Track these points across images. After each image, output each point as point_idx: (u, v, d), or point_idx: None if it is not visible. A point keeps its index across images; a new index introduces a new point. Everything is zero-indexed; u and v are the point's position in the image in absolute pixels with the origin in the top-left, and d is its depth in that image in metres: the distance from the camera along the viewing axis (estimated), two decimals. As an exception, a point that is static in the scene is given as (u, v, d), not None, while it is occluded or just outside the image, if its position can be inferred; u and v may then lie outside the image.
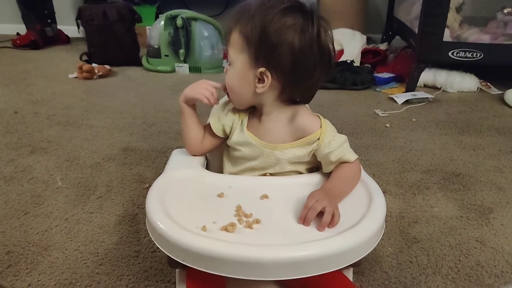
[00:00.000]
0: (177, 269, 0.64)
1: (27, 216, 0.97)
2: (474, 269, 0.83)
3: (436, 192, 1.11)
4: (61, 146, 1.34)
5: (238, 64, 0.61)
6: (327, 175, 0.64)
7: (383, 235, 0.56)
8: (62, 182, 1.12)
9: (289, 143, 0.64)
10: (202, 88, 0.67)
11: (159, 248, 0.53)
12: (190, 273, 0.60)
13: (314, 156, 0.65)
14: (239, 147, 0.67)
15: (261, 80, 0.61)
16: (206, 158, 0.74)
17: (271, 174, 0.67)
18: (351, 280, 0.64)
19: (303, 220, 0.54)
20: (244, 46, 0.60)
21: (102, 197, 1.05)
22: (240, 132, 0.67)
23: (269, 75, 0.60)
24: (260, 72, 0.60)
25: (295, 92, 0.64)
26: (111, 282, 0.78)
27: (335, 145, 0.62)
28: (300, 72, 0.60)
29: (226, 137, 0.70)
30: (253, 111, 0.68)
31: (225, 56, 2.33)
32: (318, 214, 0.54)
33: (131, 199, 1.04)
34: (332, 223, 0.53)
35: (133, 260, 0.83)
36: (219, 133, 0.69)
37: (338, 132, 0.65)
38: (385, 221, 0.58)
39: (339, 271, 0.62)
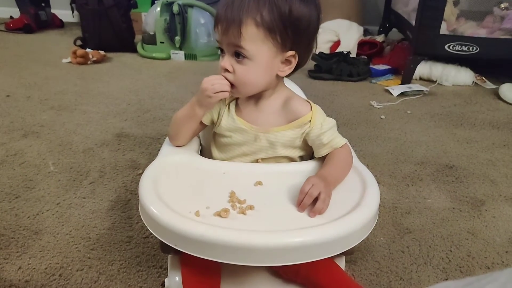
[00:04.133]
0: (169, 255, 0.64)
1: (18, 200, 0.96)
2: (465, 260, 0.84)
3: (429, 184, 1.11)
4: (54, 130, 1.32)
5: (262, 56, 0.58)
6: (321, 164, 0.64)
7: (376, 224, 0.56)
8: (54, 166, 1.11)
9: (281, 126, 0.64)
10: (214, 89, 0.60)
11: (151, 233, 0.53)
12: (185, 260, 0.60)
13: (305, 142, 0.65)
14: (229, 133, 0.66)
15: (286, 62, 0.61)
16: (200, 144, 0.73)
17: (262, 160, 0.66)
18: (343, 268, 0.65)
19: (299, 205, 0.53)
20: (267, 36, 0.56)
21: (95, 182, 1.05)
22: (229, 118, 0.66)
23: (297, 55, 0.60)
24: (289, 55, 0.60)
25: (304, 61, 0.63)
26: (102, 266, 0.77)
27: (327, 126, 0.63)
28: (314, 40, 0.62)
29: (212, 124, 0.69)
30: (243, 97, 0.67)
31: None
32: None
33: (124, 185, 1.04)
34: (320, 211, 0.53)
35: (125, 246, 0.83)
36: (207, 121, 0.68)
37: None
38: (378, 211, 0.58)
39: (332, 260, 0.62)
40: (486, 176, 1.16)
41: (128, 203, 0.97)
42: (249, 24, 0.56)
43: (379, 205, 0.57)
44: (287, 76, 0.65)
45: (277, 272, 0.64)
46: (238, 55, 0.58)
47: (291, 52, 0.60)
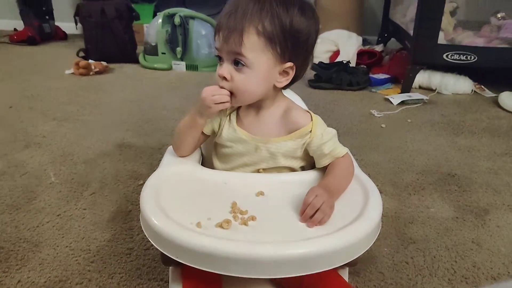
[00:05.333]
0: (170, 267, 0.63)
1: (18, 212, 0.95)
2: (471, 270, 0.83)
3: (431, 193, 1.11)
4: (56, 141, 1.32)
5: (262, 65, 0.58)
6: (323, 173, 0.64)
7: (379, 235, 0.56)
8: (55, 177, 1.11)
9: (282, 136, 0.64)
10: (213, 100, 0.60)
11: (152, 245, 0.53)
12: (186, 272, 0.59)
13: (306, 152, 0.65)
14: (230, 143, 0.66)
15: (284, 73, 0.61)
16: (202, 154, 0.73)
17: (264, 170, 0.66)
18: (347, 280, 0.64)
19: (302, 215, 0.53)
20: (267, 46, 0.57)
21: (96, 193, 1.04)
22: (229, 128, 0.66)
23: (294, 67, 0.61)
24: (287, 66, 0.60)
25: (301, 74, 0.64)
26: (102, 279, 0.77)
27: (327, 137, 0.63)
28: (311, 53, 0.63)
29: (213, 134, 0.69)
30: (243, 107, 0.67)
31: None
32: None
33: (124, 196, 1.03)
34: (320, 221, 0.52)
35: (125, 258, 0.82)
36: (208, 132, 0.68)
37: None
38: (381, 220, 0.57)
39: (335, 271, 0.61)
40: (489, 185, 1.16)
41: (129, 214, 0.96)
42: (251, 33, 0.57)
43: (382, 215, 0.57)
44: (284, 88, 0.65)
45: (279, 283, 0.63)
46: (237, 63, 0.59)
47: (289, 64, 0.60)
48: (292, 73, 0.61)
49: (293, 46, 0.59)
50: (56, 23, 2.90)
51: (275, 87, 0.63)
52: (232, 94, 0.61)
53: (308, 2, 0.61)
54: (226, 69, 0.59)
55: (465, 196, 1.10)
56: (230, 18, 0.57)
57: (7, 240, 0.86)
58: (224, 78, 0.60)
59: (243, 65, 0.58)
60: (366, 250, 0.53)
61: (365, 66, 2.24)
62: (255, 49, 0.57)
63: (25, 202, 0.99)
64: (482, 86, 2.04)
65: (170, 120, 1.53)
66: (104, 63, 2.16)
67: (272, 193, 0.60)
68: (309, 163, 0.67)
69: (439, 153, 1.35)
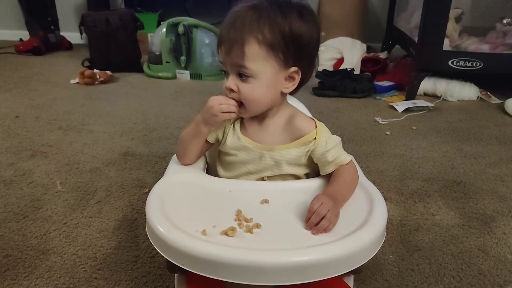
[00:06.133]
0: (176, 274, 0.63)
1: (26, 220, 0.96)
2: (477, 278, 0.82)
3: (437, 200, 1.10)
4: (61, 150, 1.34)
5: (267, 73, 0.59)
6: (327, 181, 0.64)
7: (384, 242, 0.56)
8: (61, 186, 1.12)
9: (286, 144, 0.64)
10: (220, 109, 0.61)
11: (158, 253, 0.53)
12: (192, 279, 0.59)
13: (310, 159, 0.65)
14: (234, 151, 0.66)
15: (290, 79, 0.62)
16: (206, 162, 0.74)
17: (268, 178, 0.66)
18: (352, 287, 0.64)
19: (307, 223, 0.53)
20: (269, 53, 0.58)
21: (102, 201, 1.05)
22: (234, 136, 0.66)
23: (299, 71, 0.61)
24: (292, 71, 0.61)
25: (307, 78, 0.64)
26: (109, 287, 0.77)
27: (331, 144, 0.63)
28: (316, 57, 0.64)
29: (217, 142, 0.69)
30: (249, 117, 0.67)
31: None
32: None
33: (130, 204, 1.04)
34: (325, 229, 0.52)
35: (131, 265, 0.82)
36: (212, 140, 0.69)
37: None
38: (386, 228, 0.57)
39: (340, 278, 0.61)
40: (495, 192, 1.15)
41: (134, 222, 0.97)
42: (252, 43, 0.57)
43: (387, 222, 0.57)
44: (291, 93, 0.65)
45: (284, 291, 0.63)
46: (241, 75, 0.59)
47: (294, 69, 0.61)
48: (298, 78, 0.62)
49: (295, 51, 0.59)
50: (61, 33, 2.94)
51: (282, 93, 0.63)
52: (241, 105, 0.62)
53: (306, 6, 0.61)
54: (232, 81, 0.60)
55: (471, 203, 1.09)
56: (230, 31, 0.59)
57: (14, 248, 0.87)
58: (232, 90, 0.61)
59: (248, 76, 0.59)
60: (371, 258, 0.53)
61: (369, 74, 2.24)
62: (258, 59, 0.58)
63: (32, 210, 1.00)
64: (488, 93, 2.03)
65: (174, 128, 1.54)
66: (109, 72, 2.19)
67: (277, 201, 0.60)
68: (314, 171, 0.68)
69: (445, 160, 1.35)
